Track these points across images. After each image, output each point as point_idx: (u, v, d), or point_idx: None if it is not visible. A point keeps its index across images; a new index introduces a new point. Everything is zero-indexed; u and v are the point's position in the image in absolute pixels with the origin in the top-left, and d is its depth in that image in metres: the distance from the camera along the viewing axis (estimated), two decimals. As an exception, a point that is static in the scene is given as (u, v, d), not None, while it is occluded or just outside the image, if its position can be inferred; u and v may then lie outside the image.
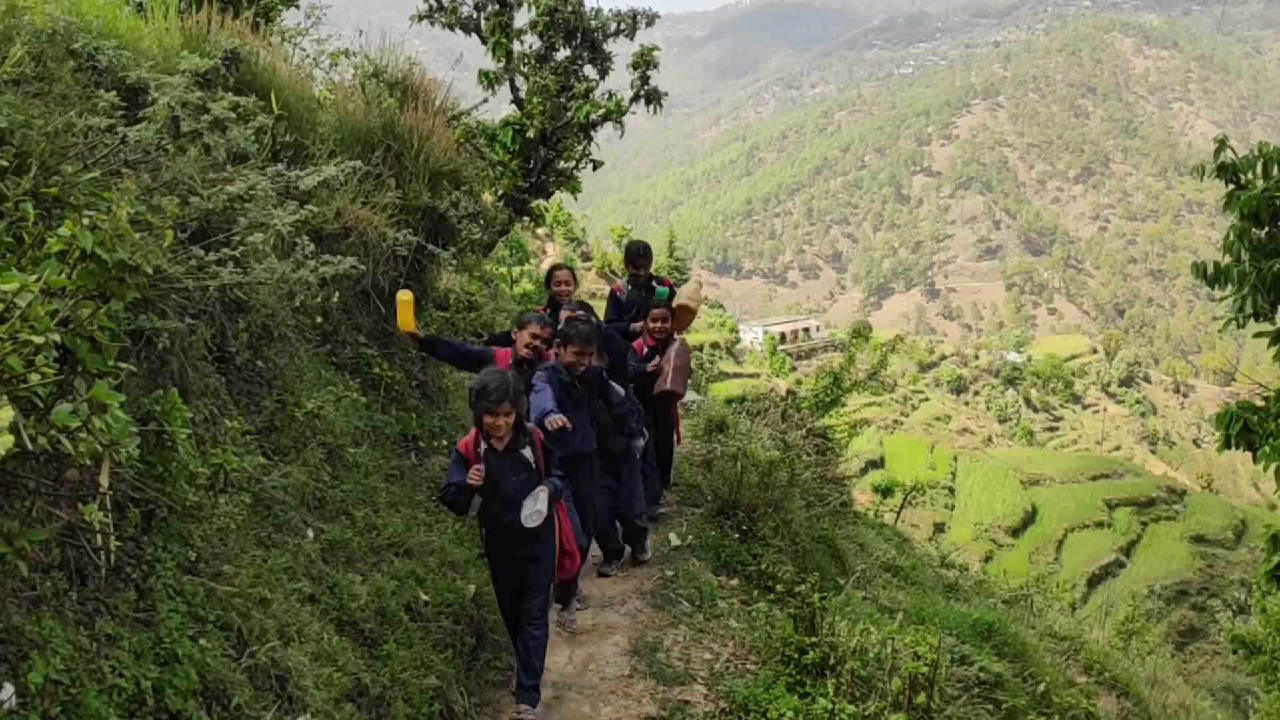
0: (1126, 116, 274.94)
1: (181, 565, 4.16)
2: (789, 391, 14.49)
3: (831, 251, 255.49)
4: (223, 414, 5.12)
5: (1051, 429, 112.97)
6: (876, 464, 65.42)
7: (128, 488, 3.96)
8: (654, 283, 9.06)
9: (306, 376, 6.29)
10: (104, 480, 2.78)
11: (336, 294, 6.51)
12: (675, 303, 8.47)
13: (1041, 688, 8.17)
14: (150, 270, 2.94)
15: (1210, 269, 6.48)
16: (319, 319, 6.62)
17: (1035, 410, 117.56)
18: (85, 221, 2.75)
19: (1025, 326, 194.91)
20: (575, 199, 12.50)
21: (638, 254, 9.04)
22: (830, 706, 3.99)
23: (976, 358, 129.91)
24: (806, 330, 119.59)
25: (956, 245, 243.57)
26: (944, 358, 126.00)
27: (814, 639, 6.11)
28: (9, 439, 1.95)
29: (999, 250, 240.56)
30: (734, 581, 7.95)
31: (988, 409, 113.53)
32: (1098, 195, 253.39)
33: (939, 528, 60.32)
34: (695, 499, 9.26)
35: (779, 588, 6.42)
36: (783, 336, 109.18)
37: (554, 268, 8.63)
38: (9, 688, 2.90)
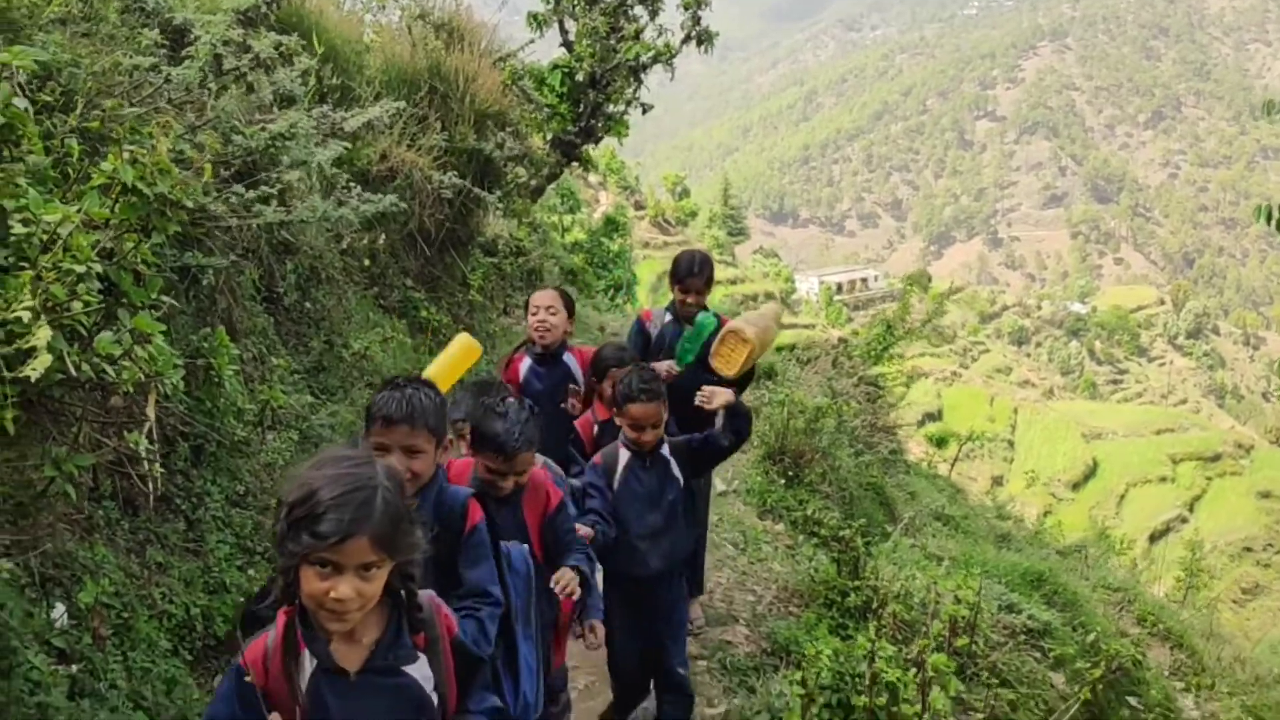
0: (1200, 59, 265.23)
1: (230, 498, 4.28)
2: (840, 339, 14.36)
3: (891, 199, 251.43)
4: (271, 353, 5.22)
5: (1115, 382, 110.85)
6: (934, 416, 64.74)
7: (177, 422, 4.07)
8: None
9: (354, 318, 6.37)
10: (150, 410, 2.85)
11: (383, 237, 6.57)
12: (727, 328, 5.14)
13: (1091, 637, 8.11)
14: (190, 205, 2.98)
15: (1276, 212, 6.27)
16: (367, 262, 6.70)
17: (1099, 363, 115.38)
18: (126, 156, 2.80)
19: (1090, 276, 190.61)
20: (621, 144, 12.39)
21: (688, 271, 5.44)
22: (870, 646, 4.00)
23: (1039, 308, 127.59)
24: (864, 280, 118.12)
25: (1020, 192, 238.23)
26: (1006, 308, 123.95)
27: (857, 583, 6.12)
28: (46, 358, 2.01)
29: (1064, 198, 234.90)
30: (779, 527, 7.98)
31: (1050, 361, 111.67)
32: (1168, 141, 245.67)
33: (997, 480, 59.68)
34: (744, 447, 9.26)
35: (823, 532, 6.43)
36: (839, 287, 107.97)
37: (537, 290, 5.39)
38: (61, 607, 3.02)
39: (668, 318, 5.69)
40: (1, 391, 2.20)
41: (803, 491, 8.29)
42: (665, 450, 4.32)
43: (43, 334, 2.00)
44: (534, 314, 5.01)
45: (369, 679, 2.13)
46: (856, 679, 4.92)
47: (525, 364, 5.10)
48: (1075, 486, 62.31)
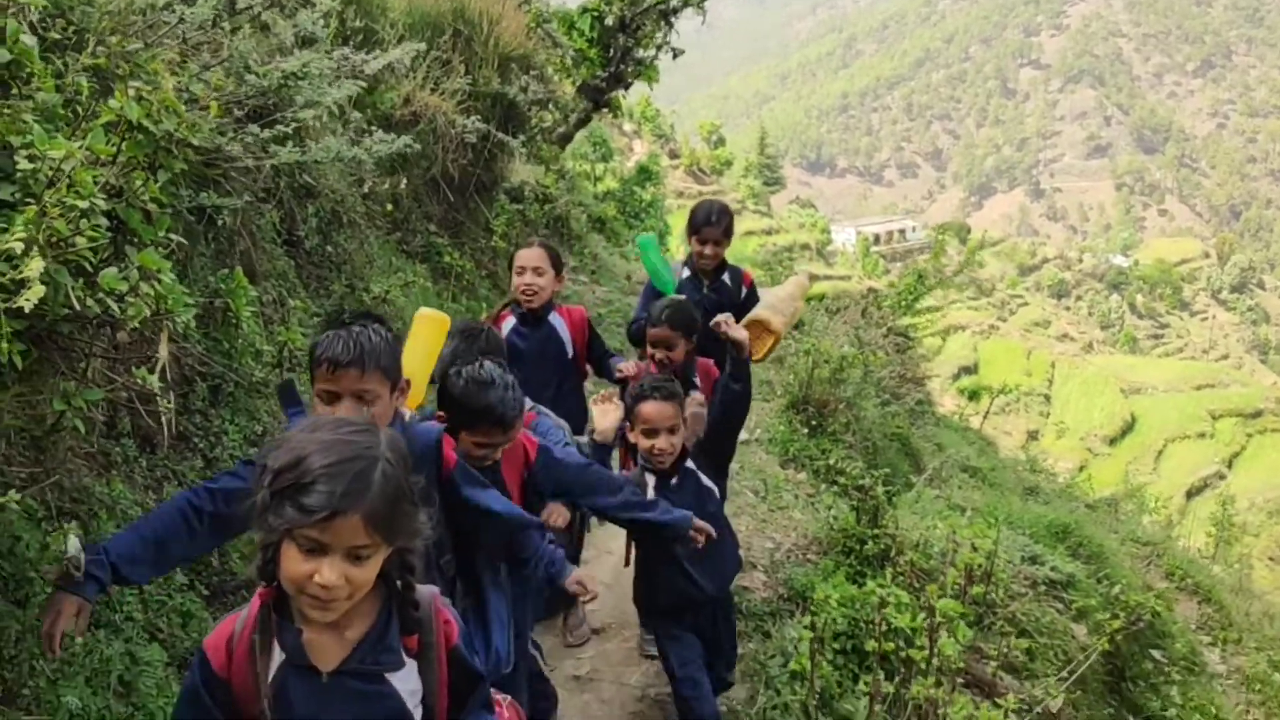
0: (1253, 4, 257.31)
1: (248, 438, 4.33)
2: (869, 289, 14.24)
3: (931, 149, 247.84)
4: (290, 296, 5.26)
5: (1156, 336, 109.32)
6: (970, 370, 64.28)
7: (194, 362, 4.11)
8: (724, 276, 5.35)
9: (376, 263, 6.40)
10: (163, 349, 2.88)
11: (405, 181, 6.56)
12: (751, 316, 4.66)
13: (1115, 590, 8.08)
14: (198, 143, 2.99)
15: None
16: (389, 206, 6.70)
17: (1140, 316, 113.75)
18: (132, 93, 2.80)
19: (1134, 229, 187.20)
20: (651, 88, 12.26)
21: (705, 220, 5.16)
22: (883, 590, 4.01)
23: (1080, 261, 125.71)
24: (902, 231, 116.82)
25: (1064, 143, 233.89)
26: (1046, 261, 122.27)
27: (875, 531, 6.12)
28: (40, 289, 2.03)
29: (1109, 148, 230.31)
30: (801, 476, 7.97)
31: (1090, 315, 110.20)
32: (1217, 90, 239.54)
33: (1032, 435, 59.27)
34: (765, 394, 9.24)
35: (843, 481, 6.42)
36: (876, 238, 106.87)
37: (521, 248, 4.76)
38: (74, 540, 3.08)
39: (685, 273, 5.31)
40: (16, 324, 2.23)
41: (825, 441, 8.28)
42: (689, 462, 3.84)
43: (35, 265, 2.01)
44: (519, 274, 4.51)
45: (343, 682, 1.84)
46: (869, 625, 4.95)
47: (509, 324, 4.63)
48: (1112, 442, 61.78)
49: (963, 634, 3.80)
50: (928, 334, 14.57)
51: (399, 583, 1.88)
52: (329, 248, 5.82)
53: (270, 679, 1.83)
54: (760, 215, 66.02)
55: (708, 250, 5.17)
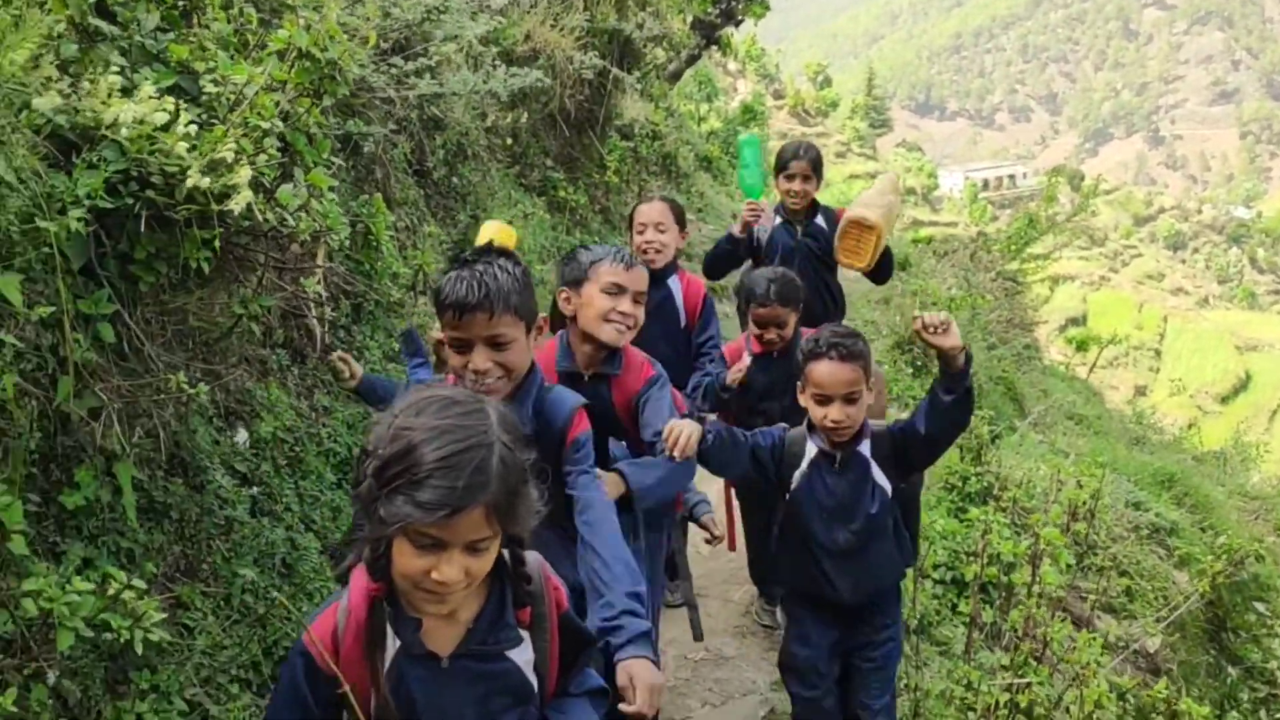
0: None
1: (385, 354, 4.63)
2: (979, 232, 14.02)
3: (1046, 92, 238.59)
4: (422, 223, 5.53)
5: (1277, 292, 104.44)
6: (1078, 321, 62.52)
7: (340, 281, 4.41)
8: (818, 218, 4.98)
9: (497, 195, 6.63)
10: (320, 257, 3.15)
11: (525, 116, 6.76)
12: (845, 218, 4.58)
13: (1221, 540, 8.01)
14: (357, 71, 3.22)
15: None
16: (509, 140, 6.92)
17: (1261, 271, 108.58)
18: (300, 22, 3.03)
19: (1258, 179, 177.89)
20: (755, 25, 12.18)
21: (793, 154, 4.89)
22: (985, 519, 4.12)
23: (1199, 212, 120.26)
24: (1012, 177, 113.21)
25: (1187, 87, 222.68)
26: (1162, 211, 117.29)
27: (979, 469, 6.21)
28: (248, 194, 2.27)
29: (1235, 94, 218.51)
30: (905, 415, 8.04)
31: (1207, 268, 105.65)
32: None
33: (1140, 390, 57.61)
34: (870, 334, 9.29)
35: (946, 418, 6.49)
36: (985, 183, 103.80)
37: (640, 203, 4.35)
38: (244, 433, 3.41)
39: (777, 219, 4.95)
40: (205, 234, 2.49)
41: (930, 380, 8.31)
42: (866, 448, 3.15)
43: (244, 172, 2.26)
44: (640, 231, 4.10)
45: (464, 664, 1.78)
46: (970, 556, 5.07)
47: None
48: (1224, 400, 59.64)
49: (1064, 560, 3.90)
50: (1036, 279, 14.30)
51: (509, 558, 1.79)
52: (454, 179, 6.07)
53: (386, 670, 1.74)
54: (865, 158, 64.78)
55: (795, 185, 4.84)
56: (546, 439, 2.39)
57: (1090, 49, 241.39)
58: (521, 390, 2.41)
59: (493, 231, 3.51)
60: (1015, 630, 3.74)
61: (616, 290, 3.01)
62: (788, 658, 3.37)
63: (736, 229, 4.86)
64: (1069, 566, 4.57)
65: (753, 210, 4.79)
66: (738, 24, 12.38)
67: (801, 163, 4.83)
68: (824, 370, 3.06)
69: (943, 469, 6.33)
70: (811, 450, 3.19)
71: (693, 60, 12.00)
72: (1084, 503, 4.86)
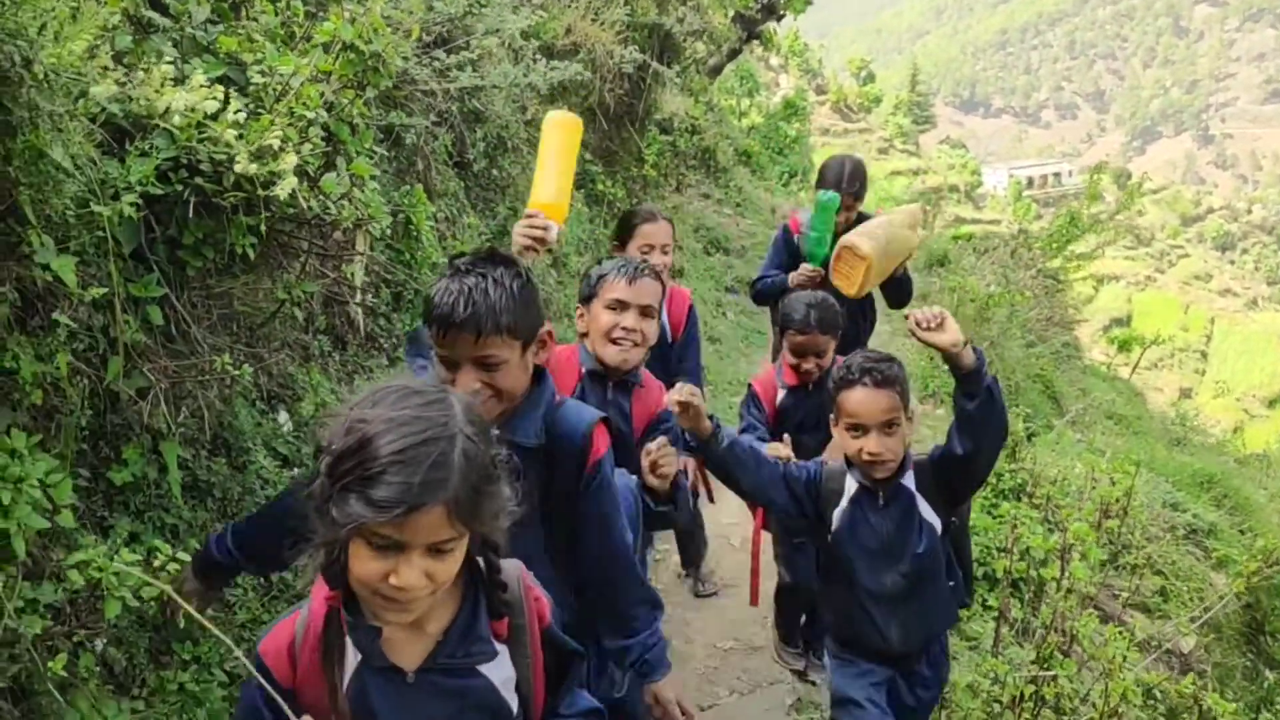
0: None
1: (425, 341, 4.71)
2: (1020, 229, 13.92)
3: (1093, 89, 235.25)
4: (461, 214, 5.61)
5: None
6: (1122, 322, 61.71)
7: (381, 270, 4.50)
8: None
9: (536, 187, 6.70)
10: (361, 245, 3.23)
11: (565, 109, 6.82)
12: (841, 243, 4.33)
13: (1260, 543, 7.92)
14: (399, 63, 3.29)
15: None
16: (549, 133, 6.98)
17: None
18: (346, 15, 3.11)
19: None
20: (795, 19, 12.16)
21: (836, 184, 4.63)
22: (1014, 512, 4.13)
23: (1249, 212, 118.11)
24: (1057, 175, 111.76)
25: (1239, 85, 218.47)
26: (1211, 211, 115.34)
27: (1014, 465, 6.20)
28: (292, 180, 2.35)
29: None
30: (939, 411, 8.03)
31: (1256, 269, 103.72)
32: None
33: (1185, 393, 56.77)
34: (905, 336, 9.28)
35: (981, 415, 6.48)
36: (1030, 181, 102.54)
37: (631, 217, 4.05)
38: (285, 415, 3.50)
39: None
40: (251, 220, 2.58)
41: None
42: (910, 480, 2.90)
43: (289, 159, 2.34)
44: (646, 252, 3.76)
45: (431, 679, 1.62)
46: (1001, 551, 5.07)
47: None
48: (1272, 404, 58.56)
49: (1094, 555, 3.90)
50: (1077, 278, 14.18)
51: (483, 564, 1.65)
52: (494, 171, 6.15)
53: (346, 685, 1.60)
54: (908, 155, 64.32)
55: (839, 217, 4.59)
56: (563, 457, 2.21)
57: (1139, 46, 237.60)
58: (529, 403, 2.19)
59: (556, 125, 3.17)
60: (1043, 625, 3.74)
61: (619, 306, 2.87)
62: (839, 695, 3.02)
63: (793, 281, 4.57)
64: (1102, 563, 4.56)
65: (811, 278, 4.50)
66: (779, 19, 12.37)
67: (845, 195, 4.59)
68: (858, 399, 2.81)
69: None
70: (851, 486, 2.92)
71: (734, 55, 12.01)
72: (1116, 500, 4.84)
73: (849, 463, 2.92)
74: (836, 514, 2.92)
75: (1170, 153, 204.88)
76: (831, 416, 2.94)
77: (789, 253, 4.78)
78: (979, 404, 2.70)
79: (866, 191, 4.79)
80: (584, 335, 3.00)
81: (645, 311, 2.90)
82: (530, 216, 2.90)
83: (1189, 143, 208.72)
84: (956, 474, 2.83)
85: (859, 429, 2.81)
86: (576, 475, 2.22)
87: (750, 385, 3.78)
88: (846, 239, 4.32)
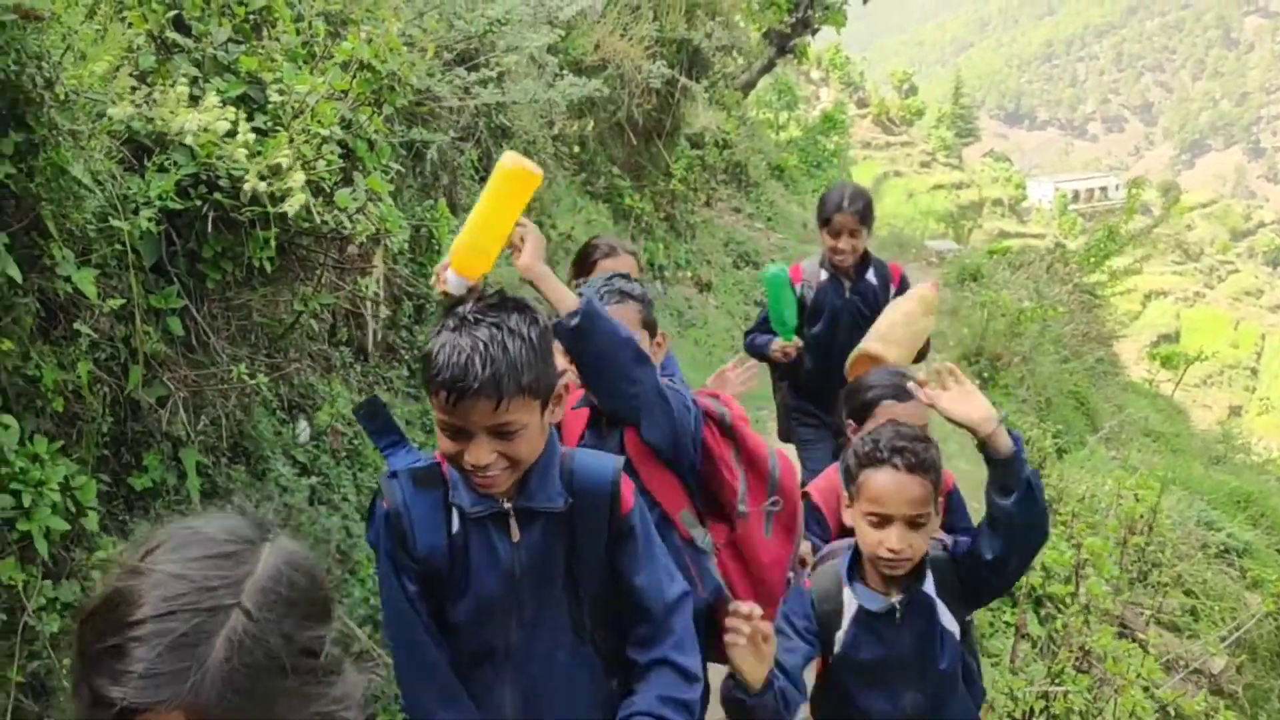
0: None
1: (446, 353, 4.79)
2: (1056, 243, 13.75)
3: (1140, 102, 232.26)
4: (486, 228, 5.70)
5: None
6: (1170, 338, 60.69)
7: (403, 283, 4.59)
8: (869, 274, 4.26)
9: (562, 201, 6.79)
10: (378, 261, 3.31)
11: (592, 125, 6.91)
12: (858, 351, 3.69)
13: (1299, 563, 7.79)
14: (416, 82, 3.38)
15: None
16: (576, 148, 7.07)
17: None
18: (363, 36, 3.20)
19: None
20: (839, 33, 12.17)
21: (836, 206, 4.11)
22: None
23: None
24: (1104, 189, 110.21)
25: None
26: (1262, 225, 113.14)
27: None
28: (301, 196, 2.44)
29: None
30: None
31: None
32: None
33: (1235, 411, 55.74)
34: (938, 345, 9.24)
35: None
36: (1076, 195, 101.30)
37: (590, 251, 3.44)
38: (304, 425, 3.59)
39: (823, 275, 4.25)
40: (267, 234, 2.66)
41: (997, 393, 8.24)
42: (929, 585, 2.36)
43: (298, 176, 2.42)
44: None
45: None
46: (1022, 566, 5.04)
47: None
48: (1324, 422, 57.31)
49: (1107, 571, 3.87)
50: (1114, 293, 14.01)
51: None
52: (521, 185, 6.23)
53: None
54: (951, 168, 63.84)
55: (842, 244, 4.10)
56: (588, 515, 1.91)
57: (1188, 58, 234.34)
58: (538, 472, 1.86)
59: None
60: (1051, 638, 3.73)
61: None
62: None
63: (773, 355, 4.16)
64: (1130, 581, 4.52)
65: (785, 353, 4.12)
66: (814, 33, 12.40)
67: (847, 215, 4.06)
68: (883, 483, 2.27)
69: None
70: (851, 604, 2.37)
71: (766, 69, 12.06)
72: (1140, 516, 4.80)
73: (852, 572, 2.40)
74: (839, 636, 2.38)
75: (1220, 166, 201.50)
76: (846, 492, 2.41)
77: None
78: (1017, 501, 2.21)
79: (874, 217, 4.23)
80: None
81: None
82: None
83: (1239, 156, 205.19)
84: (983, 579, 2.36)
85: (881, 520, 2.27)
86: (605, 533, 1.92)
87: (809, 495, 2.89)
88: (867, 346, 3.71)
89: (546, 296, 2.22)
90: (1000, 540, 2.26)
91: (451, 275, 2.06)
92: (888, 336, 3.75)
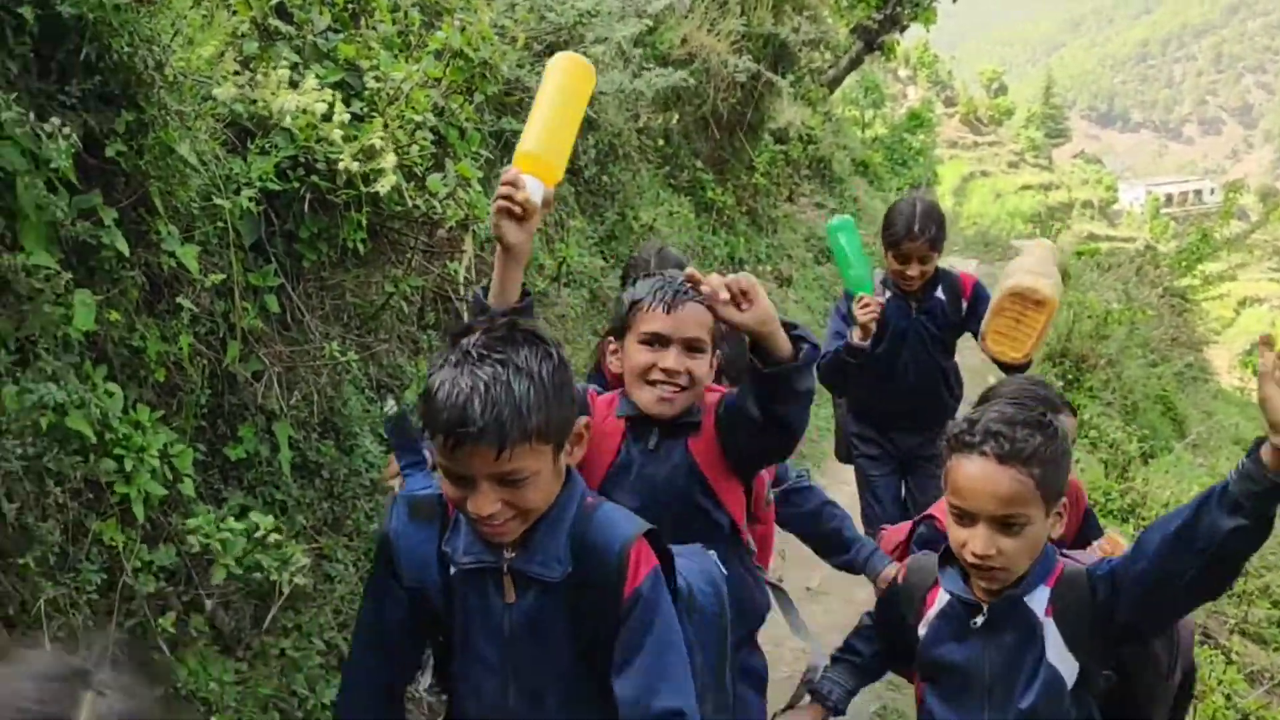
0: None
1: (528, 340, 4.87)
2: (1146, 246, 13.38)
3: (1240, 104, 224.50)
4: (569, 218, 5.77)
5: None
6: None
7: (488, 269, 4.66)
8: (937, 290, 3.87)
9: (645, 194, 6.83)
10: (467, 246, 3.38)
11: (677, 118, 6.94)
12: (1007, 289, 3.33)
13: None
14: (506, 71, 3.44)
15: None
16: (660, 141, 7.10)
17: None
18: (456, 25, 3.28)
19: None
20: (928, 30, 12.01)
21: (905, 231, 3.68)
22: (1112, 532, 4.02)
23: None
24: (1198, 193, 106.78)
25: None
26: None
27: (1123, 484, 6.03)
28: (392, 178, 2.51)
29: None
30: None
31: None
32: None
33: (1334, 423, 53.68)
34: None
35: (1091, 434, 6.34)
36: (1169, 198, 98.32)
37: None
38: (392, 402, 3.68)
39: (886, 294, 3.81)
40: (360, 216, 2.75)
41: (1082, 395, 8.08)
42: (1038, 600, 1.94)
43: (389, 158, 2.49)
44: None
45: None
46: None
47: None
48: None
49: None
50: (1206, 298, 13.59)
51: None
52: (604, 177, 6.29)
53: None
54: (1040, 169, 62.47)
55: (911, 271, 3.75)
56: (593, 584, 1.64)
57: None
58: (552, 516, 1.64)
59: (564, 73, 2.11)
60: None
61: (656, 341, 2.17)
62: None
63: (856, 336, 3.65)
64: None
65: (866, 309, 3.59)
66: (902, 30, 12.25)
67: (920, 244, 3.68)
68: (969, 473, 1.88)
69: (1086, 484, 6.18)
70: (942, 595, 2.04)
71: (854, 65, 11.95)
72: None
73: (944, 559, 2.06)
74: (924, 624, 2.06)
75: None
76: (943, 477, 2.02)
77: (852, 324, 3.71)
78: (1238, 516, 1.72)
79: (945, 235, 3.83)
80: (617, 375, 2.30)
81: (691, 346, 2.17)
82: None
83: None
84: (1126, 602, 1.84)
85: (965, 516, 1.89)
86: (611, 609, 1.63)
87: (933, 518, 2.55)
88: (1016, 282, 3.27)
89: (771, 346, 1.93)
90: (1164, 554, 1.78)
91: (532, 181, 1.91)
92: (1032, 269, 3.32)
